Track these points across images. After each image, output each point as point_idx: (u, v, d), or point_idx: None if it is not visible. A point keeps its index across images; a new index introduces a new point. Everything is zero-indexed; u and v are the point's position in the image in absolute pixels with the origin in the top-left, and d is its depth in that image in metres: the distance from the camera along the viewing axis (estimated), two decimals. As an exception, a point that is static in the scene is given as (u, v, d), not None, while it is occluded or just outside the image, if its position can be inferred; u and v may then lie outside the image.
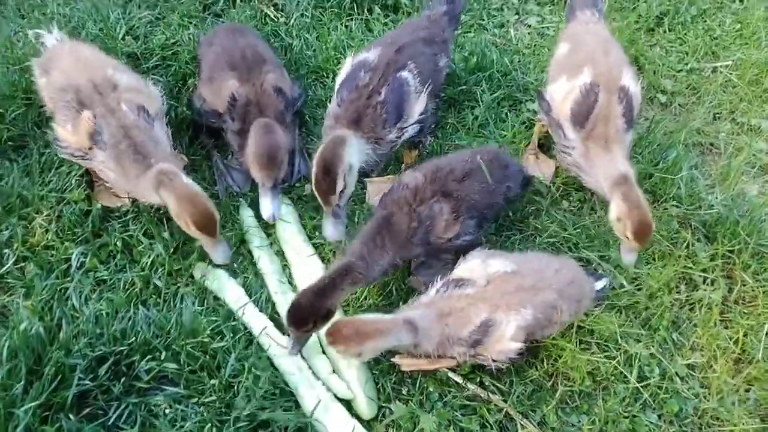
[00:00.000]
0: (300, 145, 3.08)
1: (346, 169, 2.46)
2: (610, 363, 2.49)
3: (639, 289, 2.72)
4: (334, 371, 2.43)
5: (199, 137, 3.08)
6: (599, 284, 2.58)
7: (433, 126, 2.87)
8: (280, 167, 2.63)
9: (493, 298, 2.32)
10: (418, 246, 2.46)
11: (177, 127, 3.05)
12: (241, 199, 2.93)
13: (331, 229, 2.50)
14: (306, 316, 2.25)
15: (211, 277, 2.65)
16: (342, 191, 2.47)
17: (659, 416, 2.42)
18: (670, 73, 3.62)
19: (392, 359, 2.47)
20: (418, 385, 2.43)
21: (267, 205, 2.63)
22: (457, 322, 2.30)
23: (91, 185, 2.85)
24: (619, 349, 2.54)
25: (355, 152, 2.53)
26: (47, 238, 2.66)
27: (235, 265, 2.74)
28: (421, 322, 2.28)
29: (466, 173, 2.53)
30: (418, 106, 2.75)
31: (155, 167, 2.49)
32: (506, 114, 3.29)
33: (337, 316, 2.54)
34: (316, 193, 2.50)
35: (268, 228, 2.86)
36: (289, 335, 2.36)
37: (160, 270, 2.64)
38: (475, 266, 2.40)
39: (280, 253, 2.79)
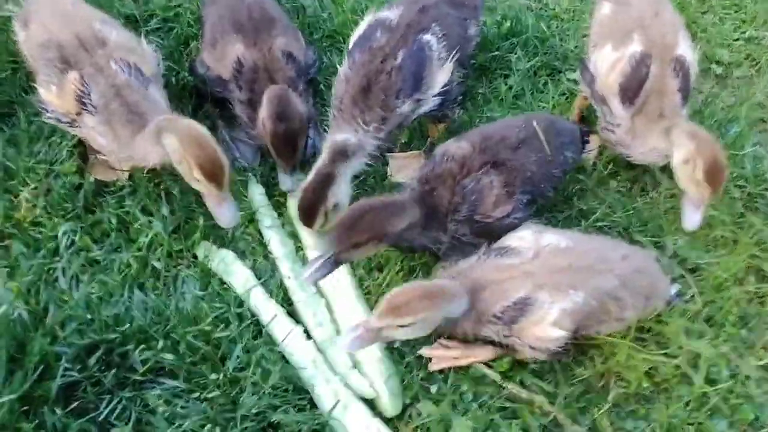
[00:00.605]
0: (314, 117, 2.78)
1: (329, 207, 2.22)
2: (671, 362, 2.16)
3: (701, 281, 2.39)
4: (354, 366, 2.13)
5: (204, 107, 2.79)
6: (672, 290, 2.25)
7: (459, 98, 2.55)
8: (300, 150, 2.38)
9: (539, 273, 2.01)
10: (458, 224, 2.15)
11: (178, 95, 2.76)
12: (249, 175, 2.64)
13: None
14: (367, 227, 1.98)
15: (217, 258, 2.36)
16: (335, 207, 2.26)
17: (730, 424, 2.08)
18: (725, 43, 3.27)
19: (420, 351, 2.17)
20: (449, 383, 2.13)
21: (286, 180, 2.44)
22: (492, 296, 2.00)
23: (85, 158, 2.57)
24: (681, 347, 2.21)
25: (343, 187, 2.27)
26: (34, 214, 2.38)
27: (243, 246, 2.45)
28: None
29: (521, 141, 2.21)
30: (441, 76, 2.39)
31: (154, 121, 2.20)
32: (544, 84, 2.97)
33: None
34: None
35: (279, 207, 2.57)
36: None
37: (158, 250, 2.35)
38: (526, 235, 2.10)
39: (293, 235, 2.49)
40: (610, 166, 2.70)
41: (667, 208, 2.62)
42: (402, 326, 1.86)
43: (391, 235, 2.04)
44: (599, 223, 2.51)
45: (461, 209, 2.13)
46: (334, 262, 2.01)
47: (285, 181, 2.43)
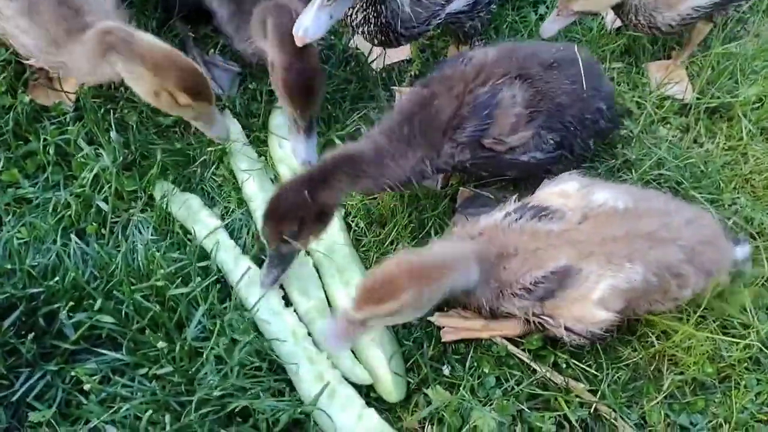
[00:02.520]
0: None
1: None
2: (738, 344, 1.75)
3: (768, 246, 1.97)
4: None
5: (171, 22, 2.28)
6: (739, 251, 1.81)
7: (492, 5, 2.08)
8: (321, 97, 1.86)
9: (587, 241, 1.57)
10: (460, 147, 1.68)
11: (139, 7, 2.25)
12: (224, 105, 2.15)
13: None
14: (290, 210, 1.55)
15: (178, 202, 1.89)
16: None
17: (812, 421, 1.69)
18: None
19: (431, 318, 1.73)
20: (467, 363, 1.70)
21: (300, 147, 1.87)
22: (523, 265, 1.56)
23: (20, 76, 2.07)
24: (748, 326, 1.80)
25: None
26: (-52, 138, 1.90)
27: (211, 189, 1.99)
28: (480, 260, 1.55)
29: (556, 61, 1.74)
30: None
31: (96, 26, 1.71)
32: (581, 15, 2.49)
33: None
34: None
35: (259, 144, 2.10)
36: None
37: (105, 189, 1.88)
38: (571, 191, 1.64)
39: (277, 179, 2.03)
40: (658, 112, 2.25)
41: (726, 161, 2.19)
42: (389, 315, 1.43)
43: (328, 209, 1.61)
44: (647, 176, 2.08)
45: (466, 126, 1.65)
46: (283, 258, 1.64)
47: (299, 148, 1.87)
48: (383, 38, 1.96)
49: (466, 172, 1.83)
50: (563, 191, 1.64)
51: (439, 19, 1.95)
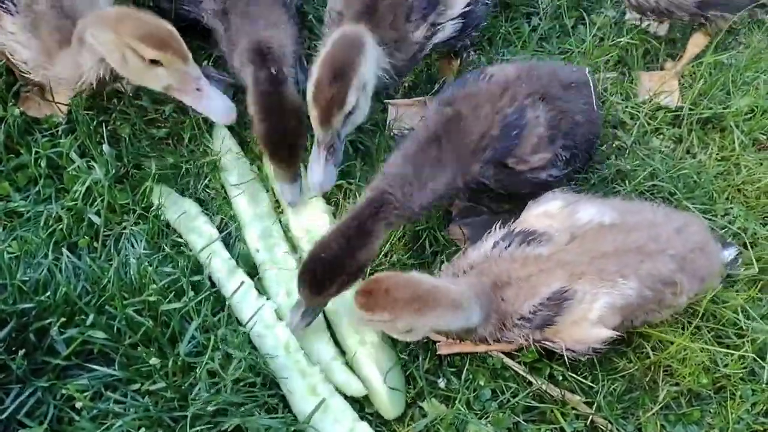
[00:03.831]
0: (299, 51, 2.28)
1: (360, 84, 1.66)
2: (733, 356, 1.76)
3: (760, 257, 1.98)
4: (342, 350, 1.68)
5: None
6: (726, 254, 1.83)
7: (482, 24, 2.09)
8: (302, 150, 1.83)
9: (577, 261, 1.56)
10: (485, 165, 1.68)
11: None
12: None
13: (319, 175, 1.72)
14: (329, 276, 1.51)
15: (176, 208, 1.88)
16: (350, 114, 1.68)
17: (809, 433, 1.69)
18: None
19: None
20: (462, 376, 1.69)
21: (286, 190, 1.87)
22: (518, 294, 1.55)
23: (11, 87, 2.06)
24: (743, 336, 1.81)
25: (373, 63, 1.74)
26: (-61, 151, 1.88)
27: (205, 201, 1.98)
28: (480, 296, 1.54)
29: (573, 83, 1.76)
30: None
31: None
32: (573, 26, 2.51)
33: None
34: (311, 113, 1.69)
35: (254, 157, 2.09)
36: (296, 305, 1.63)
37: (98, 202, 1.87)
38: (555, 211, 1.64)
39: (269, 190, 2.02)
40: (650, 122, 2.27)
41: (719, 172, 2.20)
42: (371, 320, 1.43)
43: (366, 264, 1.60)
44: (640, 187, 2.09)
45: (495, 145, 1.66)
46: (315, 309, 1.63)
47: (285, 191, 1.86)
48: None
49: (483, 192, 1.82)
50: (547, 212, 1.64)
51: (425, 51, 1.95)
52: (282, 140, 1.76)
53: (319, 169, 1.72)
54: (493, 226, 1.69)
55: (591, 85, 1.81)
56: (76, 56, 1.72)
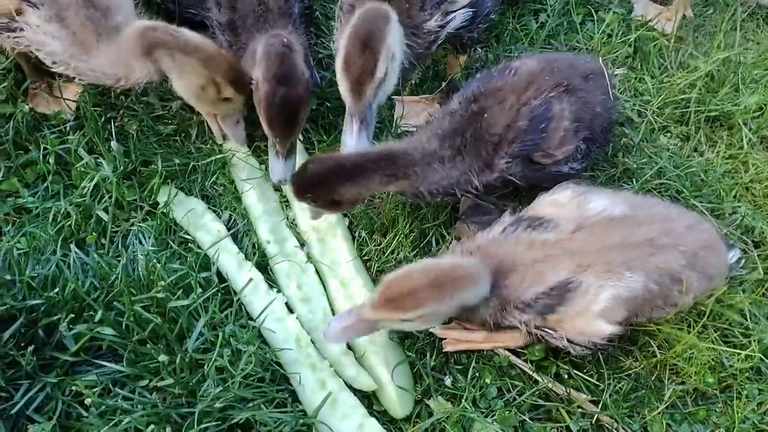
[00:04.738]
0: (307, 49, 2.28)
1: (389, 54, 1.66)
2: (740, 355, 1.75)
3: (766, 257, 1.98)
4: (350, 348, 1.69)
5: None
6: (730, 255, 1.81)
7: (492, 15, 2.08)
8: (301, 125, 1.84)
9: (583, 252, 1.56)
10: (514, 162, 1.68)
11: (140, 11, 2.24)
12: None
13: (353, 141, 1.69)
14: (311, 184, 1.59)
15: (183, 207, 1.88)
16: (381, 83, 1.68)
17: (816, 433, 1.69)
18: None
19: (433, 330, 1.73)
20: (469, 374, 1.69)
21: (278, 166, 1.83)
22: (523, 280, 1.55)
23: (21, 84, 2.07)
24: (749, 335, 1.80)
25: (398, 36, 1.74)
26: (-52, 147, 1.89)
27: (212, 198, 1.98)
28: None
29: (591, 73, 1.76)
30: None
31: (134, 25, 1.73)
32: (581, 23, 2.49)
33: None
34: (342, 86, 1.69)
35: (260, 153, 2.09)
36: None
37: (106, 198, 1.87)
38: (564, 201, 1.64)
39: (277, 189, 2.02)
40: (658, 120, 2.26)
41: (726, 170, 2.19)
42: (404, 320, 1.44)
43: (343, 201, 1.63)
44: (648, 185, 2.08)
45: (524, 139, 1.65)
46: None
47: (276, 168, 1.83)
48: None
49: (510, 186, 1.81)
50: (555, 201, 1.64)
51: (439, 41, 1.95)
52: (283, 105, 1.73)
53: (352, 141, 1.71)
54: (503, 214, 1.70)
55: (606, 75, 1.80)
56: (129, 57, 1.74)
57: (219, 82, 1.75)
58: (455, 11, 1.92)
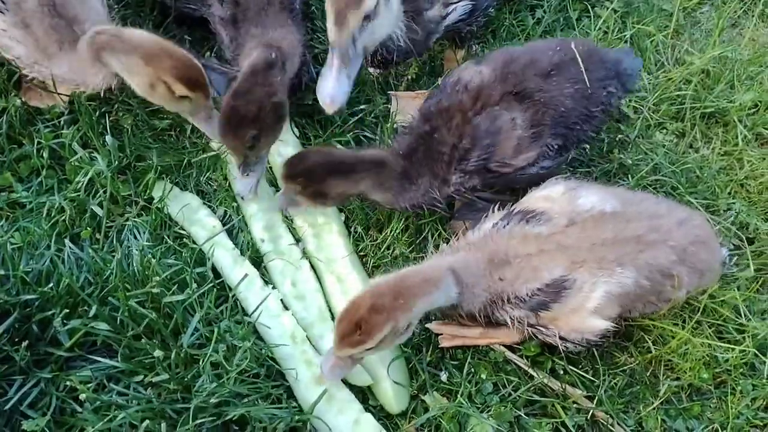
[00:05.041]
0: (304, 49, 2.26)
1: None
2: (734, 350, 1.76)
3: (759, 253, 1.98)
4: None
5: (165, 24, 2.27)
6: (724, 252, 1.82)
7: (490, 10, 2.08)
8: (247, 144, 1.75)
9: (576, 247, 1.56)
10: (468, 175, 1.71)
11: (135, 6, 2.24)
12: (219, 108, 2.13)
13: (330, 86, 1.63)
14: (306, 170, 1.63)
15: (177, 202, 1.88)
16: (368, 19, 1.64)
17: (808, 427, 1.70)
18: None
19: (428, 325, 1.73)
20: (464, 369, 1.69)
21: (237, 180, 1.82)
22: (517, 275, 1.56)
23: (12, 78, 2.05)
24: (743, 331, 1.81)
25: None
26: (-60, 141, 1.87)
27: (207, 194, 1.97)
28: (464, 271, 1.54)
29: (555, 66, 1.72)
30: None
31: (88, 32, 1.71)
32: (577, 19, 2.49)
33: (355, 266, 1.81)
34: (328, 17, 1.64)
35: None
36: None
37: (100, 193, 1.86)
38: (556, 195, 1.64)
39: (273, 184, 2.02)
40: (654, 117, 2.26)
41: (721, 167, 2.20)
42: (369, 348, 1.44)
43: (330, 195, 1.67)
44: (643, 182, 2.08)
45: (470, 156, 1.67)
46: (291, 200, 1.71)
47: (236, 181, 1.83)
48: (382, 68, 2.01)
49: (476, 192, 1.82)
50: (548, 196, 1.64)
51: (438, 34, 1.95)
52: (230, 117, 1.68)
53: (330, 80, 1.63)
54: (492, 209, 1.70)
55: (579, 60, 1.75)
56: (85, 64, 1.75)
57: (166, 80, 1.70)
58: (455, 3, 1.92)
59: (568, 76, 1.73)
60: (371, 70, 2.26)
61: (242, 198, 1.82)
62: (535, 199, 1.66)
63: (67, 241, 1.74)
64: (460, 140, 1.68)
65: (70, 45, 1.76)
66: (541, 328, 1.61)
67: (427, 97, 1.83)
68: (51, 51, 1.78)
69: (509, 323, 1.61)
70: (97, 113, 2.01)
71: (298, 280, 1.80)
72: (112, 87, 1.86)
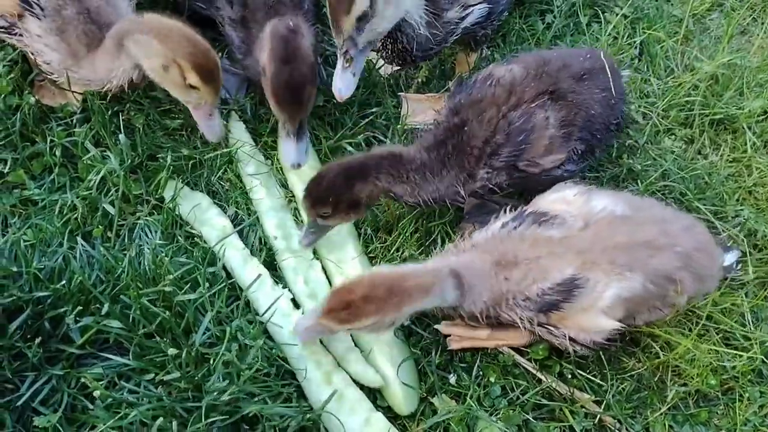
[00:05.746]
0: (316, 41, 2.28)
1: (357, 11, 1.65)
2: (741, 357, 1.77)
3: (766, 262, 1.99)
4: (355, 344, 1.70)
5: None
6: (726, 258, 1.83)
7: (505, 13, 2.10)
8: (309, 104, 1.85)
9: (590, 249, 1.57)
10: (496, 172, 1.70)
11: (147, 6, 2.24)
12: (232, 109, 2.15)
13: (338, 81, 1.75)
14: (325, 194, 1.66)
15: (188, 202, 1.89)
16: (364, 19, 1.67)
17: (815, 435, 1.71)
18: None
19: (437, 326, 1.74)
20: (473, 372, 1.70)
21: (291, 149, 1.86)
22: (526, 275, 1.56)
23: (27, 75, 2.06)
24: (751, 338, 1.82)
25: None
26: (-46, 138, 1.89)
27: (219, 193, 1.99)
28: (468, 273, 1.54)
29: (587, 71, 1.74)
30: None
31: (112, 29, 1.75)
32: (587, 24, 2.50)
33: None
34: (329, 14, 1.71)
35: (266, 149, 2.10)
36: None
37: (112, 191, 1.88)
38: (570, 198, 1.65)
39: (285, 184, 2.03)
40: (663, 123, 2.27)
41: (730, 173, 2.20)
42: (350, 331, 1.48)
43: (361, 201, 1.69)
44: (652, 187, 2.09)
45: (502, 152, 1.67)
46: (318, 228, 1.77)
47: (289, 151, 1.86)
48: (401, 62, 2.02)
49: (500, 192, 1.82)
50: (563, 198, 1.65)
51: (456, 35, 1.97)
52: (288, 83, 1.76)
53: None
54: (502, 210, 1.71)
55: (607, 69, 1.78)
56: (110, 59, 1.76)
57: (181, 64, 1.71)
58: (473, 5, 1.94)
59: (597, 83, 1.75)
60: (386, 68, 2.27)
61: (299, 166, 1.87)
62: (547, 201, 1.67)
63: (79, 238, 1.75)
64: (494, 135, 1.67)
65: (96, 47, 1.79)
66: (550, 328, 1.62)
67: (453, 93, 1.82)
68: (80, 55, 1.81)
69: (518, 323, 1.61)
70: (110, 112, 2.02)
71: (311, 279, 1.81)
72: (134, 79, 1.85)
